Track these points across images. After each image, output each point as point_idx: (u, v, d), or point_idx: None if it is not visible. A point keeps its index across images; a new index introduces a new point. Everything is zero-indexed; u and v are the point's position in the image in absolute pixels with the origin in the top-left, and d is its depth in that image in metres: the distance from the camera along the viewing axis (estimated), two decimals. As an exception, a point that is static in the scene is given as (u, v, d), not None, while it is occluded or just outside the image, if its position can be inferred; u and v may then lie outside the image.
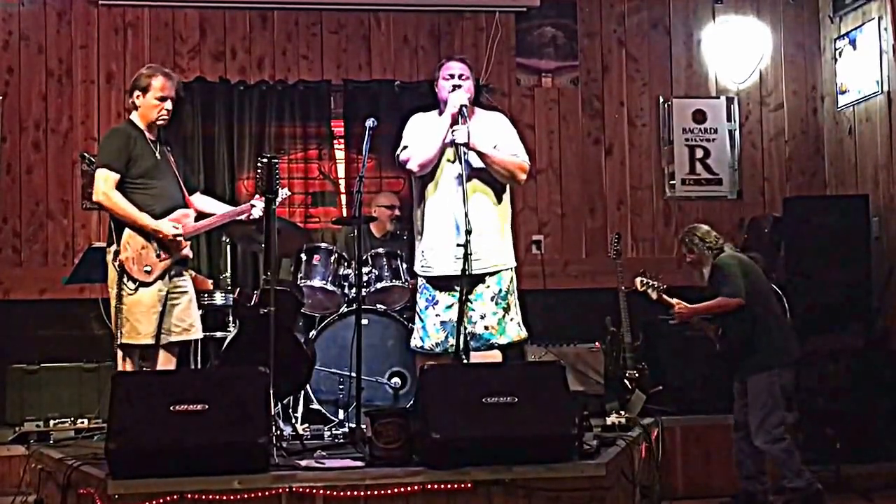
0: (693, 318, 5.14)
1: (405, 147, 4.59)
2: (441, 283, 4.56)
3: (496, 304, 4.56)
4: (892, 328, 6.23)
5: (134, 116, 4.66)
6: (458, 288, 4.41)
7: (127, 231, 4.48)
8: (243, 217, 4.75)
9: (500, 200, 4.65)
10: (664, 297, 5.17)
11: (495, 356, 4.58)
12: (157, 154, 4.63)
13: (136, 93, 4.62)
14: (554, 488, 3.76)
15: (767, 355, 4.94)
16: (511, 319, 4.59)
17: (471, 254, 4.22)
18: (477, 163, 4.52)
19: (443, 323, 4.55)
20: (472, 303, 4.50)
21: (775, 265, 6.23)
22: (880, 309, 6.25)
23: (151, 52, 6.56)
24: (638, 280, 5.28)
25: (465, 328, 4.50)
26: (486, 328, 4.54)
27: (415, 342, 4.65)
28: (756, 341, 4.95)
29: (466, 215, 4.23)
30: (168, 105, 4.64)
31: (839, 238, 6.20)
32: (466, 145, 4.41)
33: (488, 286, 4.54)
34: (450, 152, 4.54)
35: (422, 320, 4.60)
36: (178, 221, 4.59)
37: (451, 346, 4.52)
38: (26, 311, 6.29)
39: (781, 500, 4.94)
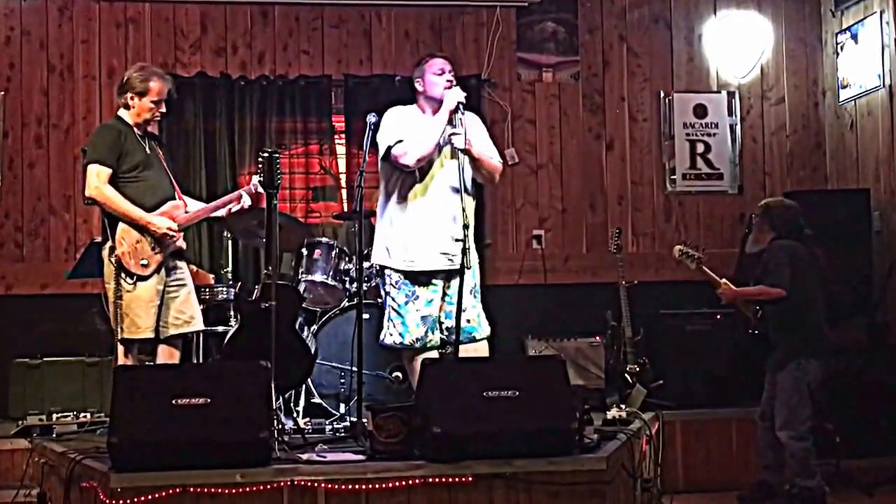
0: (737, 300, 5.15)
1: (399, 141, 4.56)
2: (420, 278, 4.58)
3: (474, 296, 4.64)
4: (892, 322, 6.23)
5: (123, 114, 4.69)
6: (435, 283, 4.55)
7: (121, 226, 4.50)
8: (223, 212, 4.80)
9: (473, 201, 4.69)
10: (706, 269, 5.16)
11: (481, 350, 4.62)
12: (147, 148, 4.66)
13: (131, 94, 4.64)
14: (554, 482, 3.77)
15: (796, 344, 4.95)
16: (482, 313, 4.70)
17: (468, 248, 4.29)
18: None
19: (423, 318, 4.57)
20: (451, 297, 4.53)
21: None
22: (881, 303, 6.26)
23: (153, 47, 6.57)
24: (677, 248, 5.25)
25: (444, 322, 4.58)
26: (468, 321, 4.59)
27: (392, 338, 4.62)
28: (790, 330, 4.96)
29: (464, 210, 4.31)
30: (163, 108, 4.68)
31: (840, 232, 6.19)
32: (465, 151, 4.47)
33: (465, 280, 4.58)
34: (447, 150, 4.59)
35: (401, 316, 4.59)
36: (170, 214, 4.61)
37: (431, 341, 4.58)
38: (28, 305, 6.30)
39: (788, 493, 4.95)
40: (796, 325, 4.96)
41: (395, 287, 4.62)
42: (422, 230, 4.55)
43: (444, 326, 4.60)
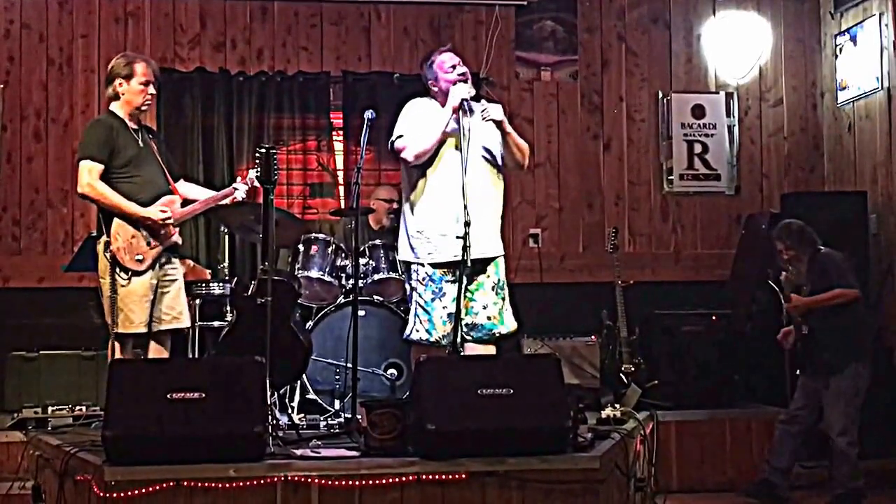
0: (804, 310, 5.19)
1: (400, 136, 4.56)
2: (447, 273, 4.55)
3: (496, 293, 4.60)
4: (888, 325, 6.24)
5: (114, 106, 4.67)
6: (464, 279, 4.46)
7: (116, 221, 4.49)
8: (227, 200, 4.79)
9: (500, 189, 4.67)
10: (787, 291, 5.30)
11: (490, 348, 4.61)
12: (140, 143, 4.64)
13: (119, 81, 4.63)
14: (548, 480, 3.78)
15: (853, 348, 5.06)
16: (507, 309, 4.64)
17: (469, 246, 4.26)
18: (480, 152, 4.53)
19: (450, 315, 4.51)
20: (473, 293, 4.52)
21: (773, 262, 6.24)
22: (878, 306, 6.26)
23: (152, 42, 6.57)
24: (784, 275, 5.35)
25: (463, 319, 4.53)
26: (489, 318, 4.56)
27: (419, 335, 4.58)
28: (848, 335, 5.06)
29: (466, 207, 4.28)
30: (151, 89, 4.67)
31: (837, 235, 6.15)
32: (500, 123, 4.50)
33: (489, 276, 4.58)
34: (452, 141, 4.55)
35: (428, 313, 4.56)
36: (166, 207, 4.61)
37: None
38: (25, 298, 6.30)
39: (838, 495, 5.03)
40: (855, 328, 5.05)
41: (421, 283, 4.58)
42: (440, 221, 4.51)
43: (463, 323, 4.50)
